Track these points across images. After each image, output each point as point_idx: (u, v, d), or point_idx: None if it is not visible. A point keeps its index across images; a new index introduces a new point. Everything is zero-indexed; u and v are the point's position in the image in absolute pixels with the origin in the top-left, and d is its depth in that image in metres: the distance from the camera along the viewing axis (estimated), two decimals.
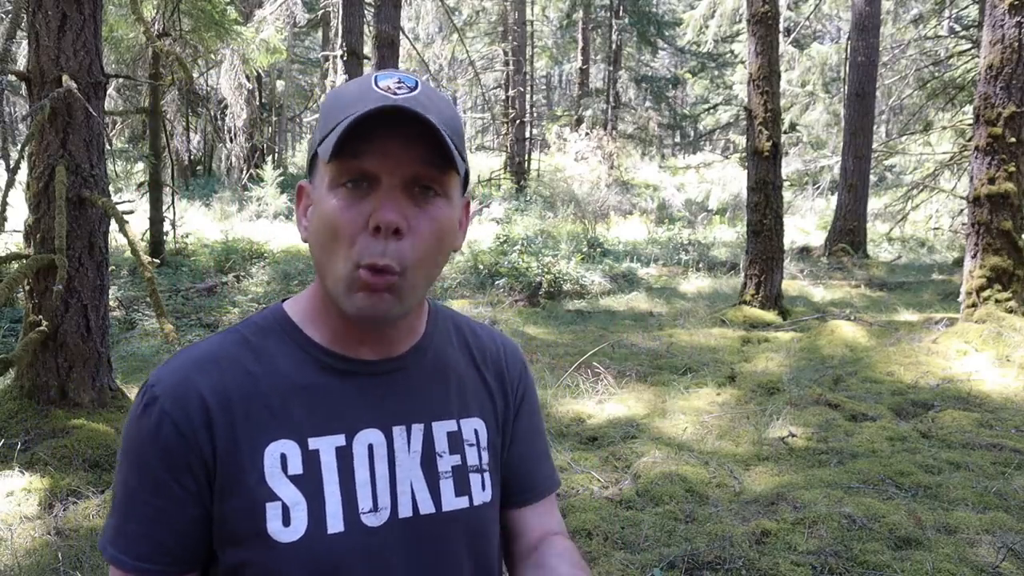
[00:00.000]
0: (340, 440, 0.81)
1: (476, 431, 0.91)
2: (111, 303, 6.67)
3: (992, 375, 5.13)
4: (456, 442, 0.88)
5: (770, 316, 7.21)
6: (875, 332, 6.52)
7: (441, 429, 0.88)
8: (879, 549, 2.80)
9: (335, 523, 0.78)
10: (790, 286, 8.96)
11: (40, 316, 3.65)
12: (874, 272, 11.15)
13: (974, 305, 5.93)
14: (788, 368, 5.54)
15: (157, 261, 7.96)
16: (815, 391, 4.81)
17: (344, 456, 0.81)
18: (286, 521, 0.77)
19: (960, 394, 4.85)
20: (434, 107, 0.79)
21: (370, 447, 0.82)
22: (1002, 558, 2.74)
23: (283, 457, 0.79)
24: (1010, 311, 5.75)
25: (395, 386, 0.86)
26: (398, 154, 0.76)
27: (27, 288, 3.69)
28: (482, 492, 0.89)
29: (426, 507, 0.84)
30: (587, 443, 4.13)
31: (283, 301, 0.90)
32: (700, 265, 10.84)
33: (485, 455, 0.91)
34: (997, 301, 5.82)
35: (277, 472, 0.78)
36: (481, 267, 9.58)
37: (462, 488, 0.87)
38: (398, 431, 0.84)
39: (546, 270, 9.00)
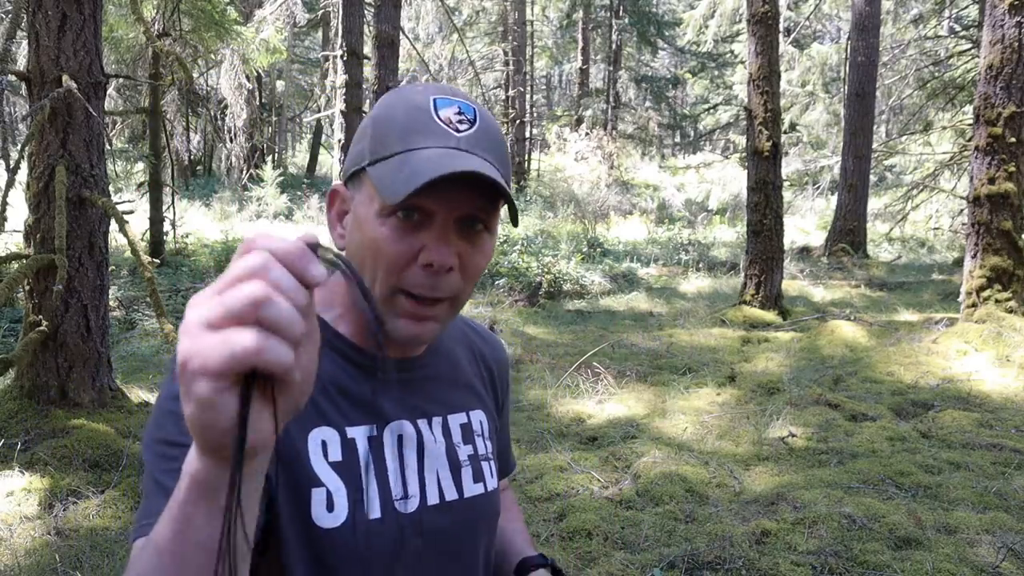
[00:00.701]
0: (372, 430, 0.85)
1: (481, 423, 0.97)
2: (111, 303, 6.66)
3: (992, 375, 5.13)
4: (468, 433, 0.94)
5: (770, 316, 7.21)
6: (875, 332, 6.52)
7: (455, 421, 0.93)
8: (879, 549, 2.80)
9: (373, 510, 0.81)
10: (790, 286, 8.96)
11: (40, 316, 3.65)
12: (874, 272, 11.15)
13: (974, 305, 5.93)
14: (788, 368, 5.54)
15: (157, 261, 7.96)
16: (815, 391, 4.81)
17: (376, 446, 0.84)
18: (330, 507, 0.78)
19: (960, 394, 4.85)
20: (489, 139, 0.81)
21: (399, 438, 0.86)
22: (1002, 558, 2.74)
23: (324, 444, 0.80)
24: (1010, 311, 5.75)
25: (416, 383, 0.91)
26: (457, 196, 0.77)
27: (27, 288, 3.69)
28: (491, 479, 0.95)
29: (451, 494, 0.89)
30: (587, 443, 4.13)
31: None
32: (700, 265, 10.84)
33: (489, 444, 0.98)
34: (997, 301, 5.82)
35: (320, 458, 0.80)
36: None
37: (478, 476, 0.93)
38: (423, 423, 0.89)
39: (546, 270, 9.00)
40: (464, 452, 0.92)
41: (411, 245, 0.78)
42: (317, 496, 0.78)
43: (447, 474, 0.89)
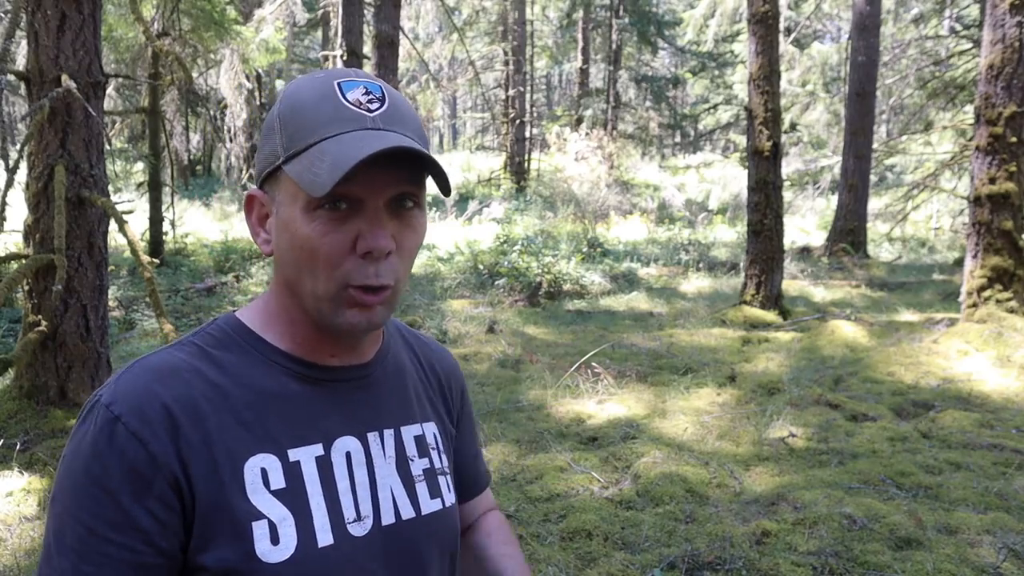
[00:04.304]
0: (319, 450, 0.79)
1: (435, 435, 0.93)
2: (110, 303, 6.67)
3: (993, 375, 5.13)
4: (423, 446, 0.90)
5: (770, 316, 7.20)
6: (875, 332, 6.52)
7: (409, 433, 0.89)
8: (879, 549, 2.79)
9: (324, 536, 0.76)
10: (790, 286, 8.95)
11: (39, 316, 3.65)
12: (874, 272, 11.15)
13: (975, 305, 5.93)
14: (788, 368, 5.54)
15: (157, 261, 7.96)
16: (815, 391, 4.80)
17: (324, 466, 0.79)
18: (275, 539, 0.73)
19: (961, 394, 4.84)
20: (403, 115, 0.78)
21: (348, 455, 0.81)
22: (1003, 559, 2.73)
23: (264, 472, 0.75)
24: (1011, 311, 5.75)
25: (364, 393, 0.86)
26: (383, 178, 0.75)
27: (26, 288, 3.68)
28: (449, 493, 0.91)
29: (407, 512, 0.84)
30: (587, 443, 4.12)
31: (233, 312, 0.86)
32: (700, 265, 10.83)
33: (444, 458, 0.93)
34: (998, 301, 5.81)
35: (260, 488, 0.74)
36: (481, 267, 9.58)
37: (435, 491, 0.89)
38: (372, 437, 0.84)
39: (546, 270, 8.99)
40: (419, 466, 0.88)
41: (345, 235, 0.75)
42: (259, 530, 0.73)
43: (401, 491, 0.85)
